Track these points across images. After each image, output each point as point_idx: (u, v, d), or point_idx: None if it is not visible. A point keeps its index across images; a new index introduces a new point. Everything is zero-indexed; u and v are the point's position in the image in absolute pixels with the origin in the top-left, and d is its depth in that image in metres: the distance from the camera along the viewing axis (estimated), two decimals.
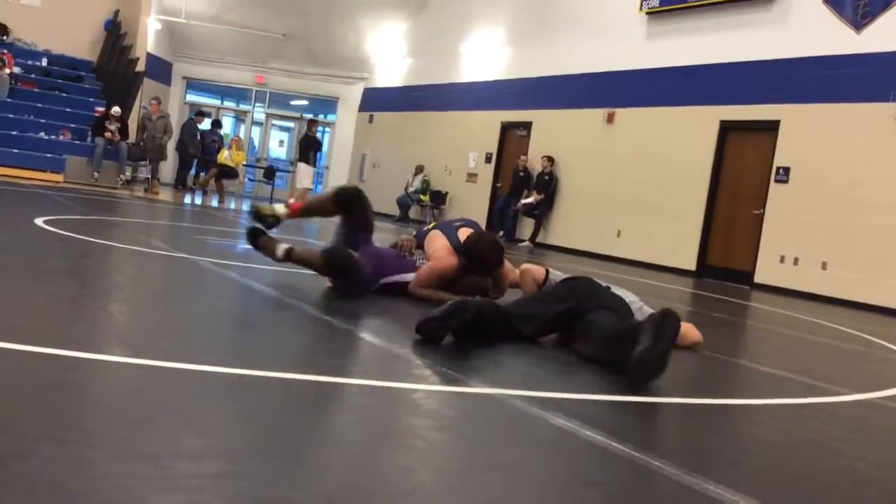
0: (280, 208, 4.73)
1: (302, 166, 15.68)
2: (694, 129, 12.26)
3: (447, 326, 3.20)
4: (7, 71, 14.63)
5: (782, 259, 10.93)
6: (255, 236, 4.61)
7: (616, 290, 3.80)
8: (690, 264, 12.10)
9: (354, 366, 2.97)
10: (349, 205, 4.70)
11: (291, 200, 5.03)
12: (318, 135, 17.22)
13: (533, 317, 3.49)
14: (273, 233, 4.73)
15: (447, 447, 2.04)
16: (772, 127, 11.25)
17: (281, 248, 4.49)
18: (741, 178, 11.77)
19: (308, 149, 15.71)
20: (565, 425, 2.30)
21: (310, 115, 19.52)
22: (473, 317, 3.21)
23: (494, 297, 4.43)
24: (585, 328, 3.40)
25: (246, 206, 15.16)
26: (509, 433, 2.23)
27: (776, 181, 11.13)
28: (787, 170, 11.01)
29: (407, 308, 4.32)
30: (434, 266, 4.52)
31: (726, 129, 11.97)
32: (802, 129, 10.88)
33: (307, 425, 2.03)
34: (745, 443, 2.59)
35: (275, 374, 2.47)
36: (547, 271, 4.13)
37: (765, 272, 11.13)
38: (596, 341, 3.30)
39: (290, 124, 23.60)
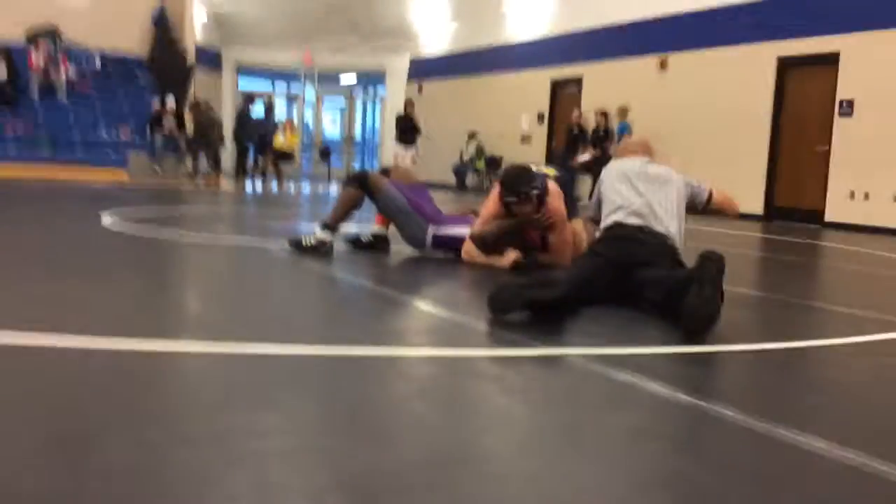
0: (319, 233, 4.77)
1: (398, 147, 15.39)
2: (751, 69, 11.89)
3: (528, 298, 2.95)
4: (63, 76, 15.02)
5: (852, 195, 10.58)
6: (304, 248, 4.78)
7: (658, 207, 3.68)
8: (758, 208, 11.81)
9: (414, 336, 2.98)
10: (361, 184, 4.83)
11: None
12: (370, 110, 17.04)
13: (579, 281, 3.40)
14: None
15: (514, 410, 2.03)
16: (832, 60, 10.83)
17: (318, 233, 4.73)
18: (804, 116, 11.40)
19: (403, 131, 15.35)
20: (628, 380, 2.27)
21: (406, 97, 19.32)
22: (559, 295, 2.99)
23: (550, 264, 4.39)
24: (637, 286, 3.35)
25: (305, 188, 15.31)
26: (573, 392, 2.22)
27: (840, 115, 10.75)
28: (850, 102, 10.62)
29: (462, 277, 4.32)
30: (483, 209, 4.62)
31: (785, 65, 11.58)
32: (864, 59, 10.46)
33: (375, 398, 2.04)
34: (820, 385, 2.52)
35: (337, 350, 2.50)
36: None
37: (835, 210, 10.80)
38: (650, 297, 3.25)
39: (342, 102, 23.69)
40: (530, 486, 1.54)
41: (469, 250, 4.61)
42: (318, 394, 2.07)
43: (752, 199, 11.87)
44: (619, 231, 3.66)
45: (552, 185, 4.46)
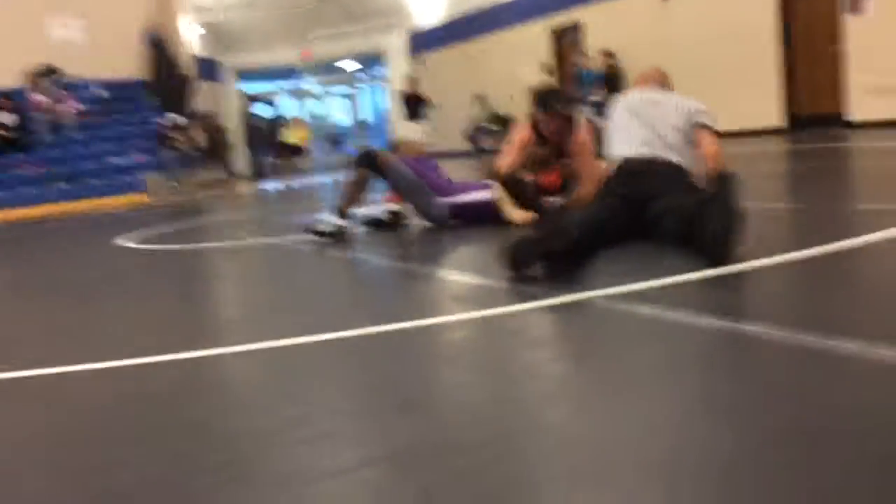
0: (334, 220, 4.74)
1: (406, 124, 15.48)
2: None
3: (544, 249, 2.88)
4: (70, 111, 15.14)
5: (873, 90, 10.28)
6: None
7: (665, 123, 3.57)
8: (778, 121, 11.55)
9: (438, 305, 2.95)
10: (370, 163, 4.75)
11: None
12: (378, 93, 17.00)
13: (593, 223, 3.34)
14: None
15: (547, 364, 2.00)
16: None
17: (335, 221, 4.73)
18: (810, 16, 11.09)
19: (411, 107, 15.47)
20: (654, 313, 2.22)
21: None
22: (574, 240, 2.96)
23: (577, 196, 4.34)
24: (654, 219, 3.27)
25: (322, 178, 15.34)
26: (602, 335, 2.17)
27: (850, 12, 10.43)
28: None
29: (479, 241, 4.29)
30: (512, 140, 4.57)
31: None
32: None
33: (414, 370, 2.02)
34: (854, 289, 2.45)
35: (360, 330, 2.48)
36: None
37: (858, 109, 10.51)
38: (668, 228, 3.18)
39: (346, 89, 23.64)
40: (581, 442, 1.51)
41: (496, 194, 4.56)
42: (346, 378, 2.06)
43: (769, 112, 11.61)
44: (628, 166, 3.59)
45: (582, 119, 4.42)
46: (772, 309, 2.28)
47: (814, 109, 11.25)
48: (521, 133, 4.52)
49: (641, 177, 3.49)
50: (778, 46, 11.44)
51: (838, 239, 3.02)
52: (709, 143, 3.64)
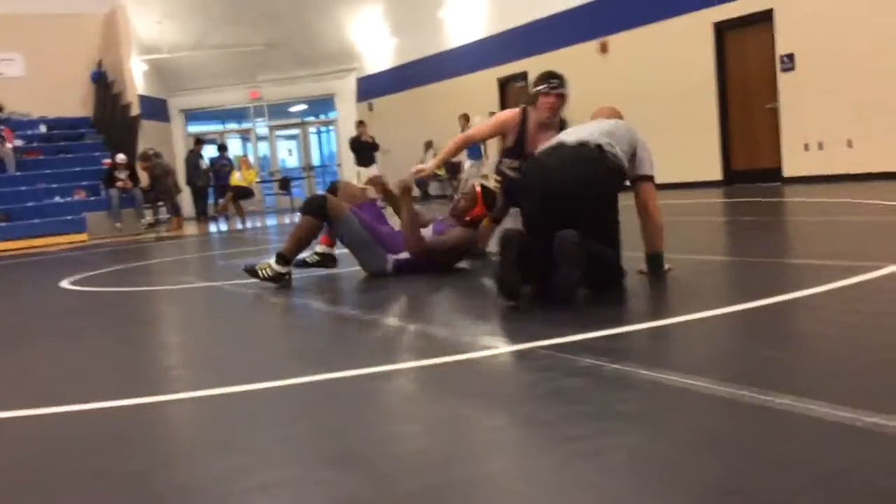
0: (275, 266, 4.66)
1: (360, 170, 15.59)
2: (690, 38, 11.99)
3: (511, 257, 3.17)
4: (9, 145, 14.83)
5: (806, 147, 10.69)
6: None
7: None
8: (717, 174, 11.90)
9: (370, 353, 2.95)
10: (320, 210, 4.70)
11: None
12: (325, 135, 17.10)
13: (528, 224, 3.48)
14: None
15: (485, 417, 2.01)
16: (766, 17, 10.96)
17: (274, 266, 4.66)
18: (747, 76, 11.51)
19: (359, 152, 15.64)
20: (593, 364, 2.26)
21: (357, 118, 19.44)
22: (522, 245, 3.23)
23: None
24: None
25: (271, 222, 15.24)
26: (541, 386, 2.20)
27: (783, 70, 10.86)
28: (791, 56, 10.73)
29: (417, 289, 4.30)
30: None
31: (721, 29, 11.69)
32: (797, 10, 10.58)
33: (355, 420, 2.01)
34: (783, 341, 2.52)
35: (299, 378, 2.46)
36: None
37: (792, 164, 10.90)
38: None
39: (295, 131, 23.64)
40: (516, 496, 1.52)
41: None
42: (294, 423, 2.04)
43: (710, 166, 11.96)
44: (557, 152, 3.48)
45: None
46: (702, 361, 2.33)
47: (751, 164, 11.62)
48: (507, 114, 4.91)
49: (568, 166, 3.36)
50: (717, 102, 11.82)
51: (772, 293, 3.11)
52: (649, 197, 3.70)
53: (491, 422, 1.95)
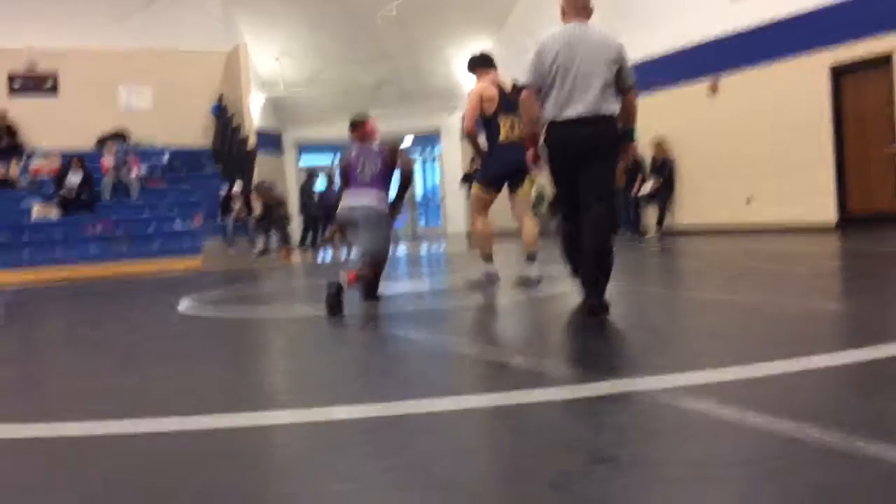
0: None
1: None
2: (804, 79, 11.68)
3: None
4: (134, 174, 15.71)
5: None
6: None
7: None
8: (830, 216, 11.47)
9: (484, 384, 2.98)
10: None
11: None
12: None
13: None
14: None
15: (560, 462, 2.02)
16: (885, 61, 10.59)
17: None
18: (864, 118, 11.11)
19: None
20: (705, 408, 2.24)
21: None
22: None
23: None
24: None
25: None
26: (657, 432, 2.19)
27: None
28: None
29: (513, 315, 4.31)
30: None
31: (838, 73, 11.35)
32: None
33: (446, 454, 2.06)
34: None
35: (400, 407, 2.52)
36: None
37: None
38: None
39: None
40: None
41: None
42: (393, 451, 2.11)
43: (823, 208, 11.54)
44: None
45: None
46: (825, 411, 2.28)
47: (868, 208, 11.16)
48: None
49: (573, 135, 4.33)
50: (833, 143, 11.45)
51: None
52: (633, 101, 4.44)
53: (561, 464, 1.96)
